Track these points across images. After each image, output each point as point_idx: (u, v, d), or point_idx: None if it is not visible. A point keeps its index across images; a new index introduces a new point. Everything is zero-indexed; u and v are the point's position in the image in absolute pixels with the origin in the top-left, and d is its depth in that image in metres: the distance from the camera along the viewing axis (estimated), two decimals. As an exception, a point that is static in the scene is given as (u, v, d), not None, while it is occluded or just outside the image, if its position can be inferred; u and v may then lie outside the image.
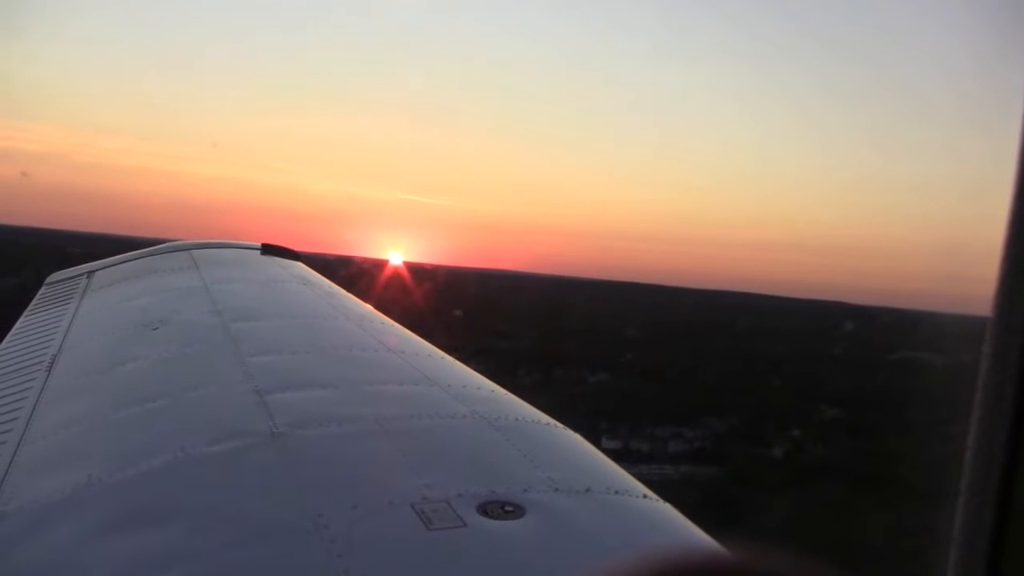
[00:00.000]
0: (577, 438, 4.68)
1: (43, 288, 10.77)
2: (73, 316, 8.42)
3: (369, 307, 8.40)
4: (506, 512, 3.45)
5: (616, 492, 3.86)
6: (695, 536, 3.61)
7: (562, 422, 4.89)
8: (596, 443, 4.83)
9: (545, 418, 4.87)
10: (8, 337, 8.11)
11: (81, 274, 10.91)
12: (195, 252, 10.97)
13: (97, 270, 11.01)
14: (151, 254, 11.46)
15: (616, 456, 5.05)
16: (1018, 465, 0.43)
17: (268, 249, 11.42)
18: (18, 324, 8.74)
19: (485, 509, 3.46)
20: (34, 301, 10.03)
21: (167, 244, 11.87)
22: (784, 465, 45.15)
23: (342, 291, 9.30)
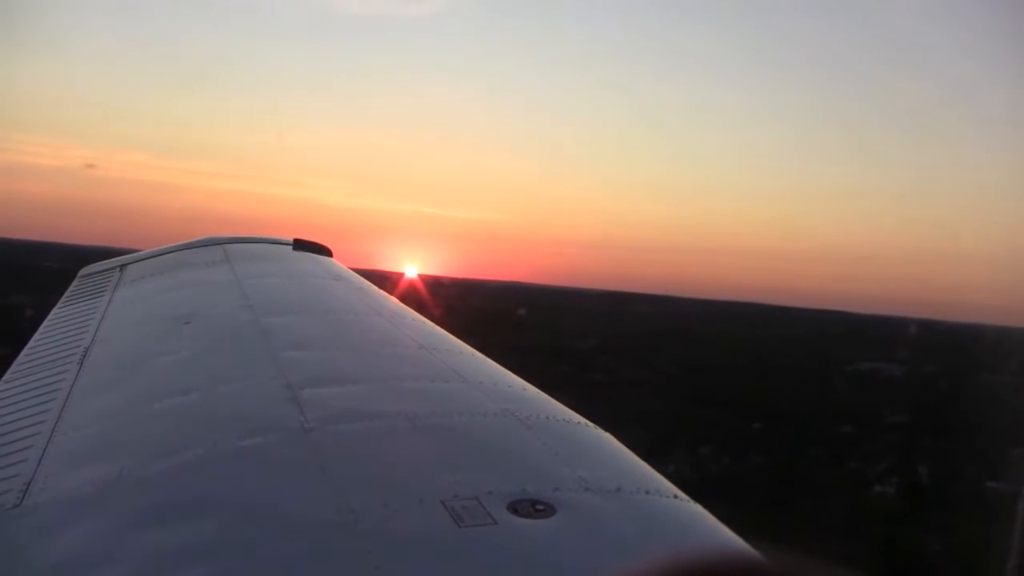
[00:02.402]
0: (608, 437, 4.64)
1: (76, 281, 10.84)
2: (106, 309, 8.48)
3: (401, 304, 8.38)
4: (536, 511, 3.42)
5: (647, 492, 3.82)
6: (725, 537, 3.57)
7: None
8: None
9: (576, 417, 4.83)
10: (41, 329, 8.17)
11: (114, 267, 10.97)
12: (227, 247, 11.00)
13: (130, 263, 11.07)
14: (184, 248, 11.50)
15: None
16: None
17: (300, 244, 11.42)
18: (51, 316, 8.80)
19: (515, 507, 3.43)
20: (67, 293, 10.09)
21: (200, 238, 11.88)
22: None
23: (374, 287, 9.29)
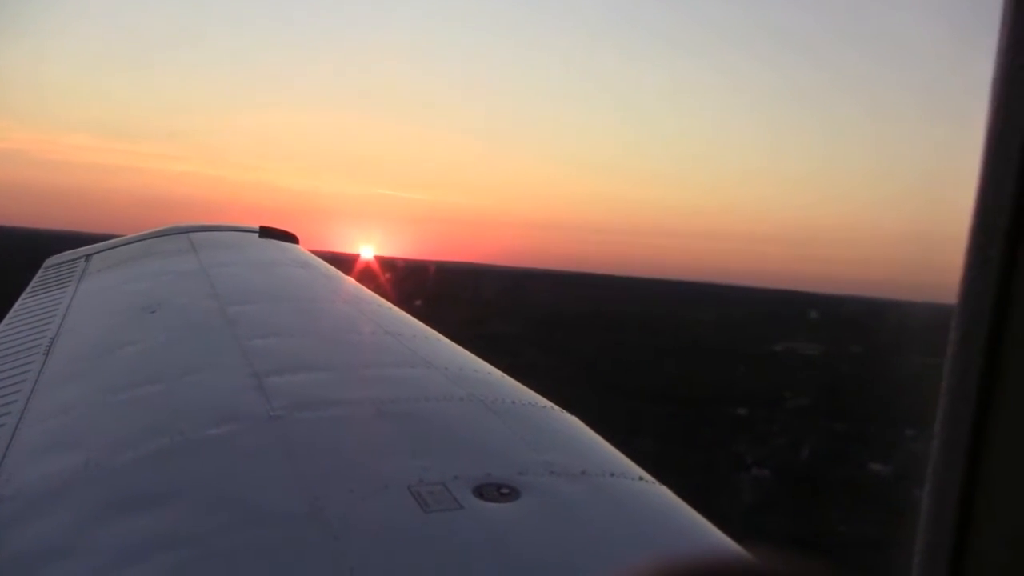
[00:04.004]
0: (574, 421, 4.68)
1: (41, 271, 10.75)
2: (71, 299, 8.42)
3: (367, 290, 8.38)
4: (502, 495, 3.46)
5: (612, 474, 3.87)
6: (689, 518, 3.62)
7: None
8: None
9: (543, 401, 4.87)
10: (6, 320, 8.10)
11: (79, 257, 10.89)
12: (193, 235, 10.96)
13: (95, 253, 11.00)
14: (149, 237, 11.43)
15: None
16: (980, 454, 0.44)
17: (266, 232, 11.40)
18: (16, 307, 8.73)
19: (481, 492, 3.47)
20: (32, 284, 10.01)
21: (166, 227, 11.82)
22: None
23: (340, 274, 9.29)
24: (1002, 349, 0.42)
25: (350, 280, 9.01)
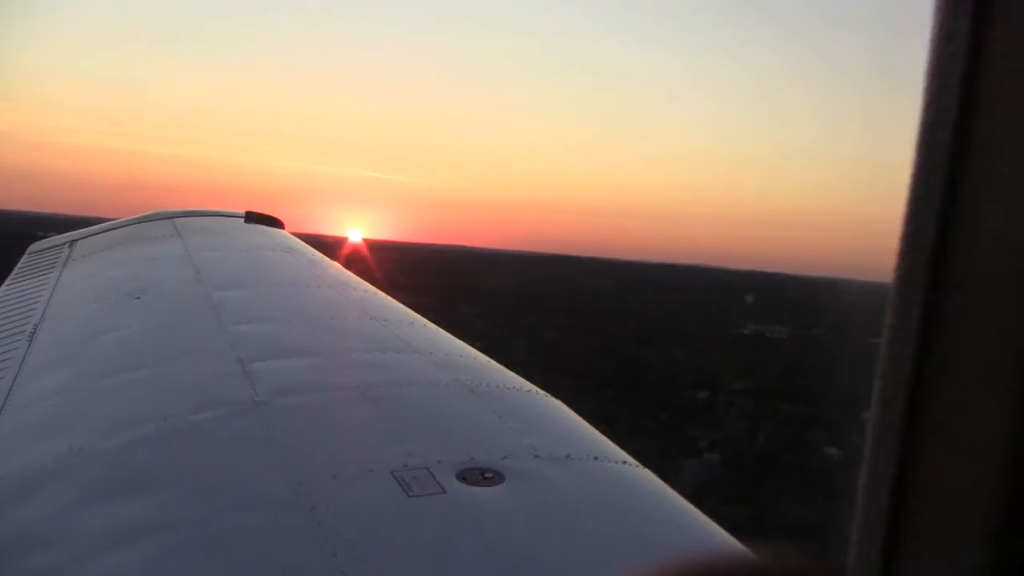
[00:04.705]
0: (559, 405, 4.70)
1: (25, 257, 10.71)
2: (55, 285, 8.39)
3: (352, 275, 8.37)
4: (485, 479, 3.47)
5: (595, 458, 3.88)
6: (672, 501, 3.64)
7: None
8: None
9: (527, 385, 4.88)
10: None
11: (63, 243, 10.84)
12: (178, 220, 10.92)
13: (80, 239, 10.95)
14: (134, 222, 11.39)
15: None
16: (913, 431, 0.45)
17: (251, 217, 11.37)
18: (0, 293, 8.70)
19: (465, 476, 3.48)
20: (15, 270, 9.97)
21: (151, 213, 11.79)
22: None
23: (325, 259, 9.27)
24: (932, 331, 0.44)
25: (336, 265, 9.00)
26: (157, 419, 4.14)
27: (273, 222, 11.35)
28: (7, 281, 9.39)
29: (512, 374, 5.07)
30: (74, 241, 10.86)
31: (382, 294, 7.47)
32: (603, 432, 4.33)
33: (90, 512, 3.44)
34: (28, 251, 11.09)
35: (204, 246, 9.17)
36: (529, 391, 4.79)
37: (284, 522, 3.16)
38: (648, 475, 3.90)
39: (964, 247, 0.44)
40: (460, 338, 5.95)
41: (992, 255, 0.43)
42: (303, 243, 10.24)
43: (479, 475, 3.50)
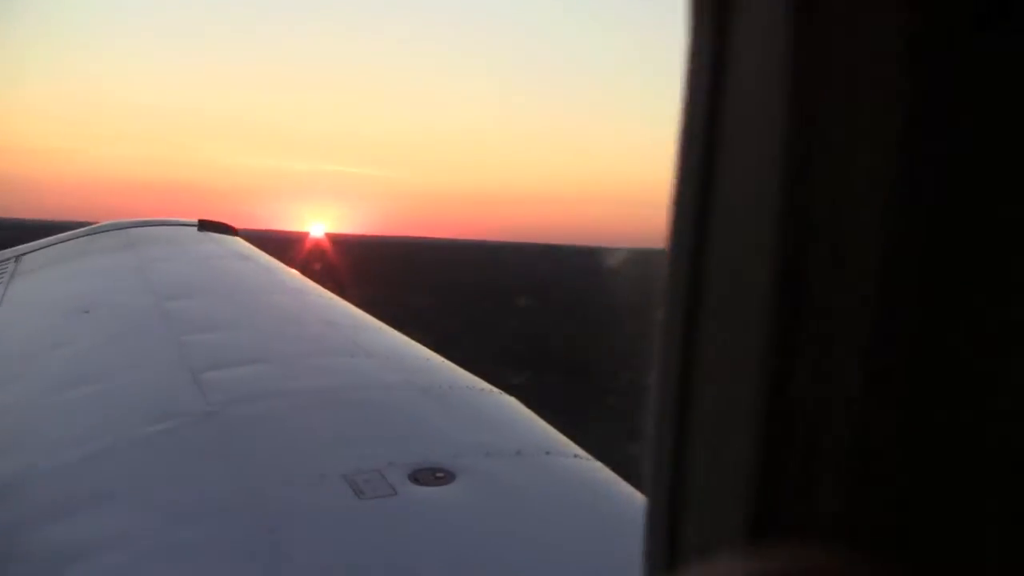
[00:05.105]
0: (511, 402, 4.74)
1: None
2: (0, 302, 8.28)
3: (307, 280, 8.37)
4: (437, 479, 3.51)
5: (547, 453, 3.93)
6: (621, 492, 3.69)
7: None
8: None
9: (480, 383, 4.92)
10: None
11: (8, 258, 10.69)
12: (130, 231, 10.84)
13: (26, 253, 10.80)
14: (85, 234, 11.28)
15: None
16: (688, 379, 0.48)
17: (205, 225, 11.31)
18: None
19: (416, 477, 3.51)
20: None
21: (101, 224, 11.68)
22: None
23: (280, 265, 9.26)
24: (701, 296, 0.47)
25: (290, 271, 9.00)
26: (108, 434, 4.12)
27: (227, 229, 11.30)
28: None
29: (465, 373, 5.11)
30: (20, 256, 10.70)
31: (337, 298, 7.48)
32: (553, 424, 4.39)
33: (45, 530, 3.43)
34: None
35: (156, 256, 9.11)
36: (482, 389, 4.83)
37: (236, 531, 3.17)
38: (599, 467, 3.95)
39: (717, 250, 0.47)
40: (415, 335, 5.99)
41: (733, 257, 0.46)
42: (257, 250, 10.22)
43: (431, 475, 3.53)
